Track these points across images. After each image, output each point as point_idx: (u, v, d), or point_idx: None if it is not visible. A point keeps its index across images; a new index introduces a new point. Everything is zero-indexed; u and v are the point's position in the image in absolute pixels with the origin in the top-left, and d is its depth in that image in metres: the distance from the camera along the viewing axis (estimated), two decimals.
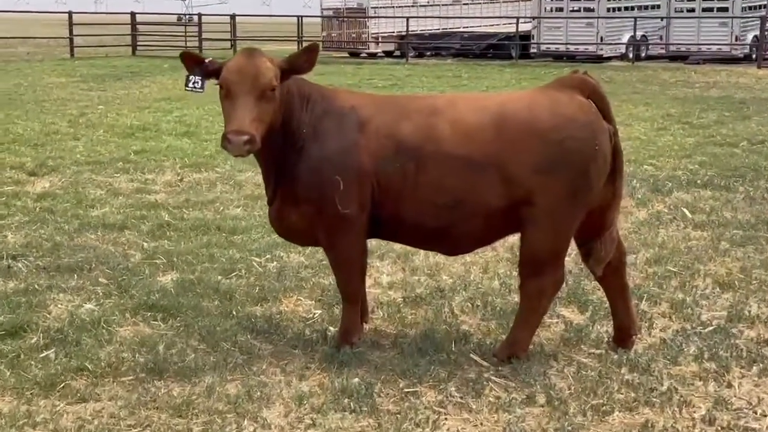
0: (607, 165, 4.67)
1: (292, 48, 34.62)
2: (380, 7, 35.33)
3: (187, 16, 64.97)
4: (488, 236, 4.88)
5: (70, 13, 32.07)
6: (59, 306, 5.61)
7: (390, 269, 6.54)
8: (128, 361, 4.75)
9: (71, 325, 5.22)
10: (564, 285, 5.99)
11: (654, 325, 5.43)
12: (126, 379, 4.56)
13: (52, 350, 4.86)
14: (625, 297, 5.07)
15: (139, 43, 34.17)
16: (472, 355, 4.87)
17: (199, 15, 36.65)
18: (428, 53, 36.19)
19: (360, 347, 4.95)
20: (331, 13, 36.08)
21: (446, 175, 4.56)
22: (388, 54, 36.15)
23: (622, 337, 5.06)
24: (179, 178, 9.84)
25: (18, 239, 7.10)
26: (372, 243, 7.02)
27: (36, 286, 5.91)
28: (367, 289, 5.74)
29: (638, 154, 11.56)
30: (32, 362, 4.71)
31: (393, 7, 35.72)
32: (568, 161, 4.52)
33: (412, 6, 36.13)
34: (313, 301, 5.82)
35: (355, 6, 35.27)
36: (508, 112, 4.60)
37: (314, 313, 5.59)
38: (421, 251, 6.77)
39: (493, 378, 4.62)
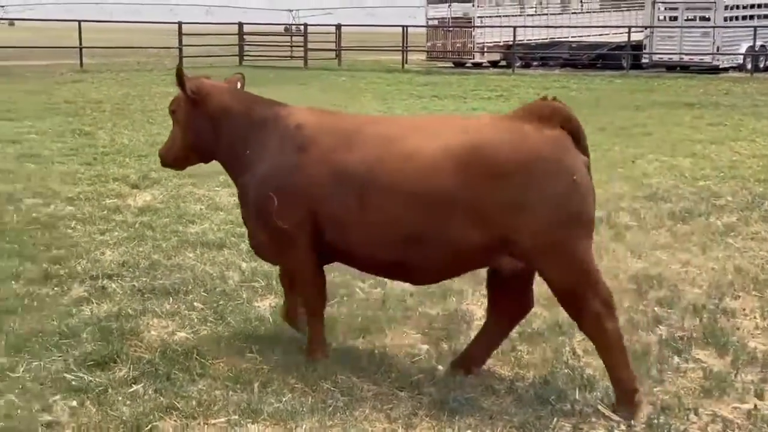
0: (591, 189, 4.28)
1: (398, 58, 34.43)
2: (486, 17, 34.80)
3: (294, 27, 65.74)
4: (457, 269, 4.59)
5: (179, 24, 32.56)
6: (152, 333, 5.31)
7: None
8: (221, 400, 4.37)
9: (163, 356, 4.89)
10: (698, 323, 5.44)
11: None
12: (217, 421, 4.19)
13: (141, 385, 4.53)
14: (499, 339, 4.80)
15: (245, 53, 34.45)
16: (600, 407, 4.33)
17: (305, 25, 36.77)
18: (535, 63, 35.44)
19: (471, 393, 4.46)
20: (436, 23, 35.72)
21: (397, 210, 4.27)
22: (494, 64, 35.60)
23: (463, 364, 4.73)
24: None
25: (115, 257, 6.87)
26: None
27: (129, 311, 5.62)
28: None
29: None
30: (120, 398, 4.39)
31: (499, 16, 35.15)
32: (543, 198, 4.14)
33: (519, 15, 35.47)
34: (420, 335, 5.37)
35: (460, 16, 34.84)
36: (470, 146, 4.21)
37: (420, 349, 5.14)
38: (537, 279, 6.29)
39: None
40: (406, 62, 34.03)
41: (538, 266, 4.32)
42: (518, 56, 34.01)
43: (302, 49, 35.00)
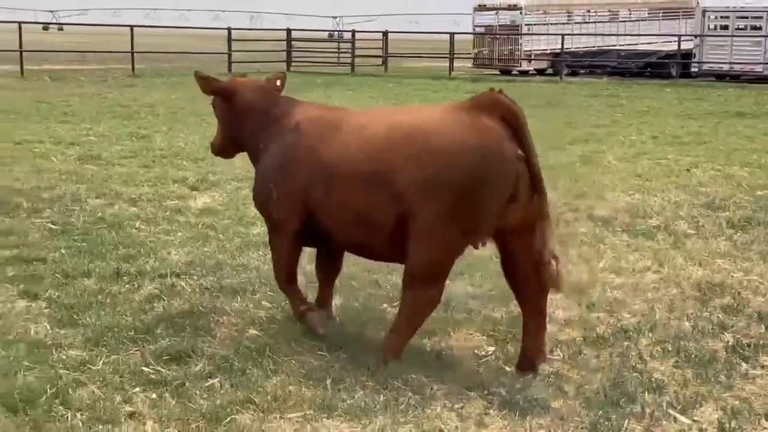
0: (503, 190, 4.49)
1: (444, 65, 34.51)
2: (534, 24, 34.76)
3: (337, 33, 66.19)
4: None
5: (229, 30, 32.93)
6: (223, 330, 5.43)
7: (565, 303, 6.07)
8: (295, 396, 4.48)
9: (237, 352, 5.01)
10: (764, 330, 5.45)
11: None
12: (293, 416, 4.29)
13: (217, 379, 4.65)
14: (539, 324, 4.89)
15: (293, 59, 34.72)
16: (670, 411, 4.36)
17: (353, 32, 36.96)
18: (582, 71, 35.29)
19: (541, 394, 4.52)
20: (483, 30, 35.74)
21: (349, 192, 4.72)
22: (540, 72, 35.50)
23: (525, 362, 4.87)
24: None
25: (182, 256, 7.02)
26: None
27: (200, 308, 5.76)
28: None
29: None
30: (197, 391, 4.51)
31: (547, 24, 35.09)
32: (452, 184, 4.43)
33: (567, 23, 35.37)
34: (485, 336, 5.44)
35: (508, 23, 34.84)
36: (411, 131, 4.60)
37: (487, 350, 5.21)
38: (598, 286, 6.36)
39: None
40: (453, 69, 34.08)
41: (411, 243, 4.58)
42: (565, 64, 33.89)
43: (348, 55, 35.20)
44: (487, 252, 7.28)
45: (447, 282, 6.29)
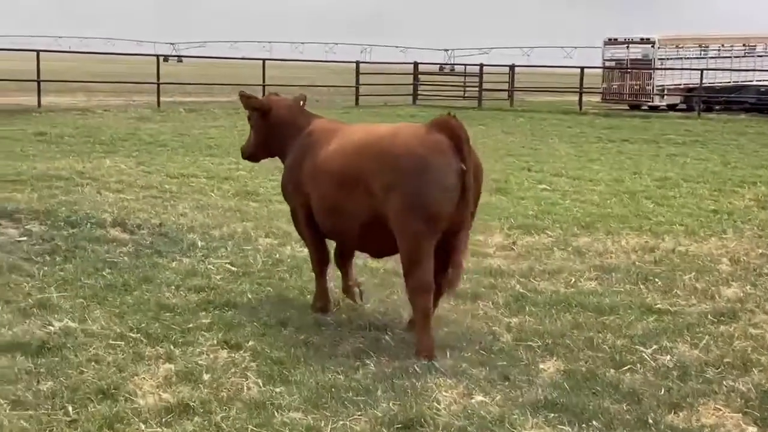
0: (448, 192, 5.34)
1: (570, 99, 33.75)
2: (667, 59, 33.71)
3: (449, 66, 66.13)
4: (375, 241, 5.83)
5: (357, 63, 32.96)
6: (444, 393, 4.98)
7: None
8: None
9: (470, 422, 4.55)
10: None
11: None
12: None
13: None
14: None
15: (419, 93, 34.49)
16: None
17: (481, 65, 36.39)
18: (717, 107, 33.97)
19: None
20: (613, 64, 34.84)
21: (328, 185, 5.86)
22: (671, 107, 34.34)
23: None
24: (512, 241, 9.16)
25: (374, 306, 6.63)
26: None
27: (415, 367, 5.32)
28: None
29: None
30: None
31: (680, 58, 33.97)
32: (403, 182, 5.37)
33: (701, 58, 34.18)
34: (739, 414, 4.84)
35: (640, 57, 33.88)
36: (377, 140, 5.66)
37: None
38: None
39: None
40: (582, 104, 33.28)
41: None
42: (701, 100, 32.65)
43: (476, 89, 34.78)
44: (704, 309, 6.74)
45: (668, 344, 5.85)
